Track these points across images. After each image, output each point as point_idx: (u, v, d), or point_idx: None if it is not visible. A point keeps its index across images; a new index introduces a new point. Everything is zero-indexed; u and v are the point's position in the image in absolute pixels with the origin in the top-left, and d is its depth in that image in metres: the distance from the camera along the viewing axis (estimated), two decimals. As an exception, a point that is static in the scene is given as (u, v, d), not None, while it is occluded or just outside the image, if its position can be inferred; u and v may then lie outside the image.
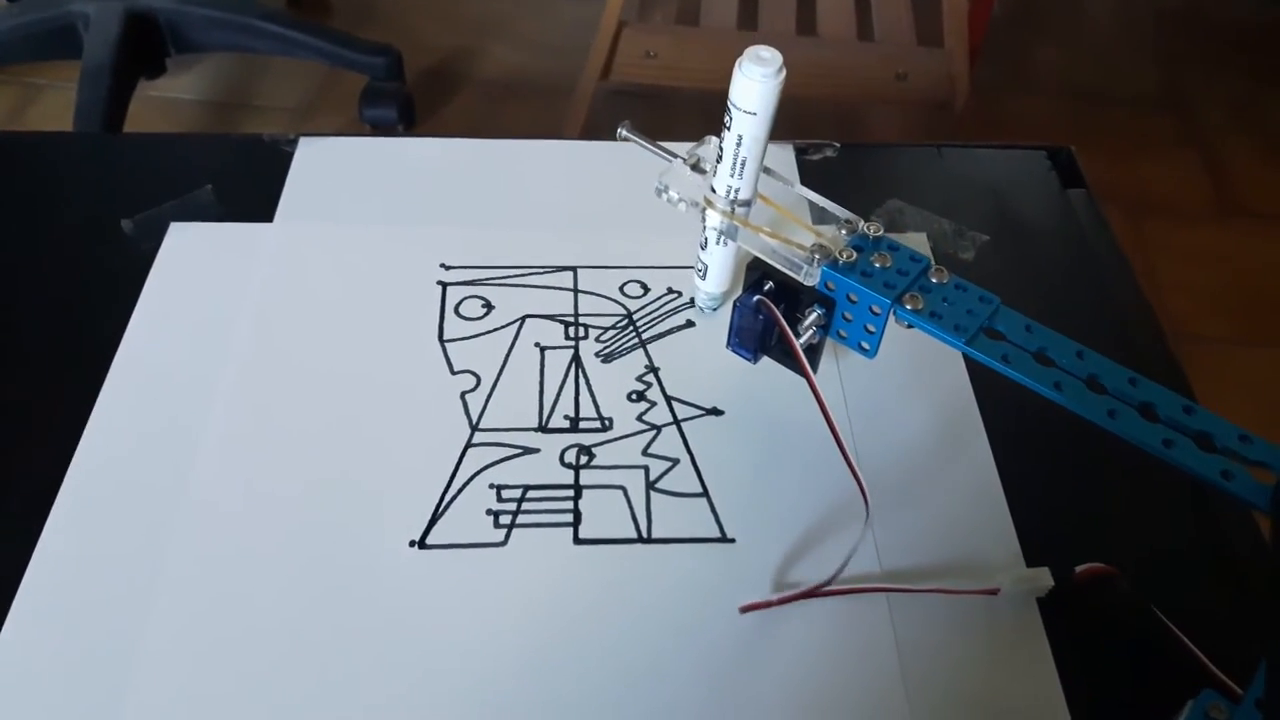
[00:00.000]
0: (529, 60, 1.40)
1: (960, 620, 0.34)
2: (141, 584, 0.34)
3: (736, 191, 0.37)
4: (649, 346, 0.42)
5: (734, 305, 0.37)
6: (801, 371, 0.36)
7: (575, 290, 0.44)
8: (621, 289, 0.44)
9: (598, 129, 1.23)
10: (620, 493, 0.37)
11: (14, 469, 0.37)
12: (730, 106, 0.35)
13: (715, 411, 0.40)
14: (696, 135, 0.53)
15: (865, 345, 0.36)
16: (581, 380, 0.41)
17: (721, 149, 0.36)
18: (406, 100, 1.25)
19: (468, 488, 0.37)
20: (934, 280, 0.35)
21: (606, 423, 0.39)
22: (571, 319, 0.43)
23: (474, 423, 0.39)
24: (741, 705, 0.32)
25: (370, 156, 0.50)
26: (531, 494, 0.37)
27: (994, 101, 1.34)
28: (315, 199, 0.48)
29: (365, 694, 0.32)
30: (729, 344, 0.38)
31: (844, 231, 0.36)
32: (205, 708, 0.31)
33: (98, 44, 1.14)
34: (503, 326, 0.43)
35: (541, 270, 0.45)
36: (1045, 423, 0.38)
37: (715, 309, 0.43)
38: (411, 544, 0.35)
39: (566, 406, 0.40)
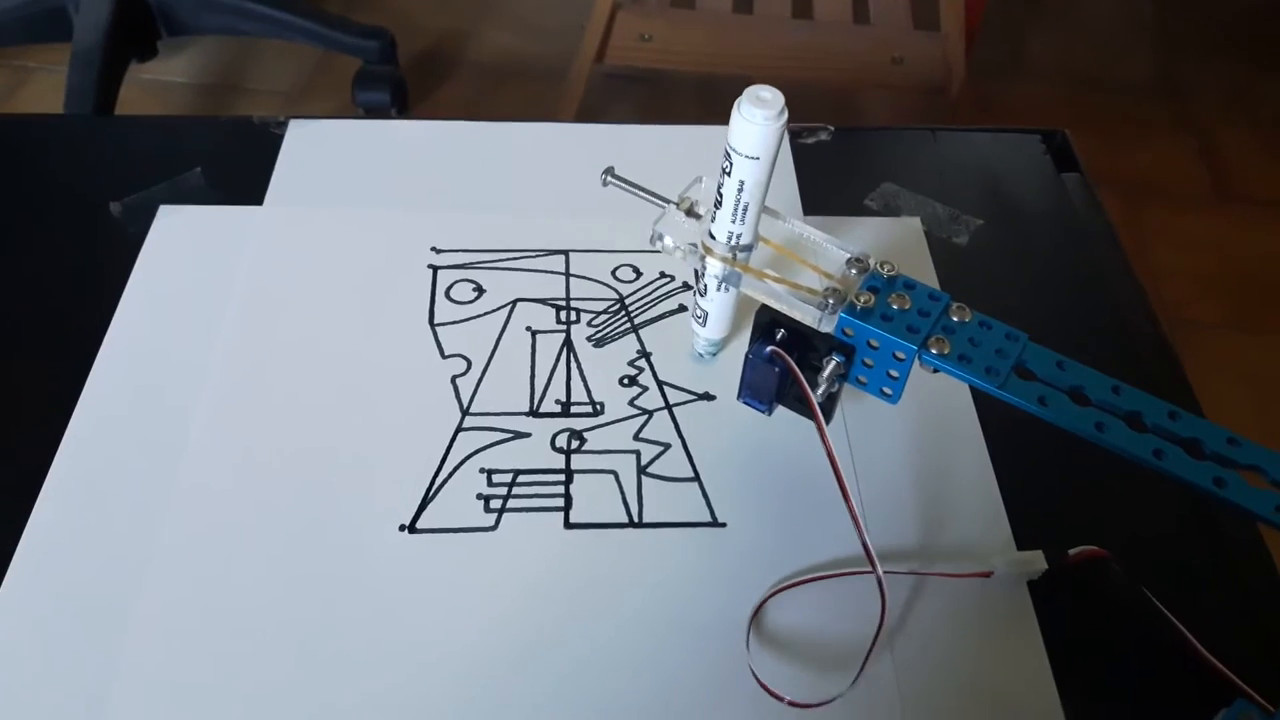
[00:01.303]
0: (523, 43, 1.39)
1: (951, 603, 0.34)
2: (129, 569, 0.34)
3: (738, 237, 0.35)
4: (641, 331, 0.42)
5: (746, 357, 0.35)
6: (816, 422, 0.33)
7: (567, 274, 0.44)
8: (614, 273, 0.44)
9: (592, 112, 1.23)
10: (611, 477, 0.37)
11: (2, 452, 0.37)
12: (729, 151, 0.33)
13: (707, 396, 0.40)
14: (691, 119, 0.52)
15: (888, 391, 0.34)
16: (573, 364, 0.41)
17: (721, 194, 0.34)
18: (400, 84, 1.25)
19: (458, 472, 0.37)
20: (956, 319, 0.32)
21: (598, 407, 0.39)
22: (563, 303, 0.43)
23: (465, 407, 0.39)
24: (733, 688, 0.32)
25: (361, 139, 0.50)
26: (522, 478, 0.37)
27: (990, 86, 1.34)
28: (305, 182, 0.47)
29: (355, 678, 0.32)
30: (740, 397, 0.36)
31: (854, 270, 0.34)
32: (193, 690, 0.31)
33: (88, 26, 1.13)
34: (494, 310, 0.42)
35: (533, 254, 0.45)
36: (1029, 430, 0.38)
37: (715, 354, 0.41)
38: (401, 528, 0.35)
39: (558, 391, 0.40)
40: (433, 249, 0.45)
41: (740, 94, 0.32)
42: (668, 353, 0.41)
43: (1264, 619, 0.35)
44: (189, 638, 0.32)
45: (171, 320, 0.41)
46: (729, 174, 0.33)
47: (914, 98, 1.31)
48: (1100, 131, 1.29)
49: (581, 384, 0.40)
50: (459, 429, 0.38)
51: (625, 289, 0.44)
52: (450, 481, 0.37)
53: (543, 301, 0.43)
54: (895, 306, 0.32)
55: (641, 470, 0.37)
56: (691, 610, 0.34)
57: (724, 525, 0.36)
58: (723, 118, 0.52)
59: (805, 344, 0.34)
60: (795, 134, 0.51)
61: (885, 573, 0.33)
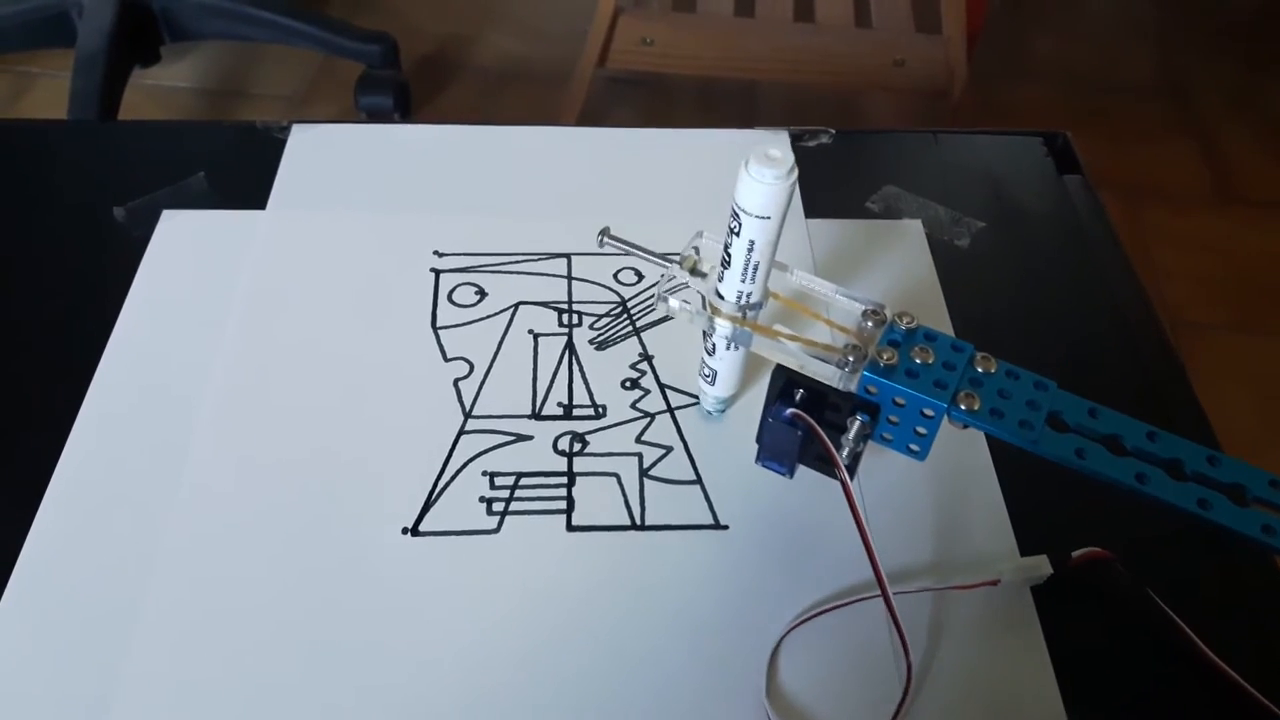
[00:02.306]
0: (526, 47, 1.40)
1: (956, 611, 0.34)
2: (132, 572, 0.34)
3: (748, 296, 0.34)
4: (643, 334, 0.42)
5: (765, 420, 0.33)
6: (845, 489, 0.32)
7: (569, 277, 0.44)
8: (616, 276, 0.44)
9: (594, 116, 1.23)
10: (614, 480, 0.37)
11: (7, 455, 0.37)
12: (737, 210, 0.31)
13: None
14: (693, 122, 0.53)
15: (915, 448, 0.32)
16: (575, 367, 0.41)
17: (729, 253, 0.33)
18: (402, 88, 1.25)
19: (460, 475, 0.37)
20: (981, 369, 0.31)
21: (600, 410, 0.39)
22: (565, 306, 0.43)
23: (467, 410, 0.39)
24: (735, 692, 0.32)
25: (363, 143, 0.50)
26: (525, 481, 0.37)
27: (992, 88, 1.34)
28: (308, 186, 0.47)
29: (358, 680, 0.32)
30: (760, 460, 0.34)
31: (870, 323, 0.32)
32: (197, 691, 0.31)
33: (92, 32, 1.13)
34: (496, 313, 0.43)
35: (535, 257, 0.45)
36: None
37: (723, 412, 0.39)
38: (404, 531, 0.35)
39: (560, 394, 0.40)
40: (435, 253, 0.45)
41: (751, 152, 0.31)
42: (669, 356, 0.41)
43: (1268, 620, 0.35)
44: (193, 641, 0.32)
45: (175, 324, 0.41)
46: (737, 234, 0.32)
47: (916, 100, 1.31)
48: (1102, 133, 1.29)
49: (584, 387, 0.40)
50: (461, 432, 0.38)
51: (627, 292, 0.44)
52: (453, 484, 0.37)
53: (545, 304, 0.43)
54: (918, 361, 0.31)
55: (644, 473, 0.37)
56: (694, 612, 0.34)
57: (726, 528, 0.36)
58: (725, 121, 0.52)
59: (825, 403, 0.32)
60: (796, 137, 0.51)
61: (896, 594, 0.32)
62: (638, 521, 0.36)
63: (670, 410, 0.39)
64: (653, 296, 0.44)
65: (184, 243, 0.45)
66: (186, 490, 0.36)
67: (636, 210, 0.47)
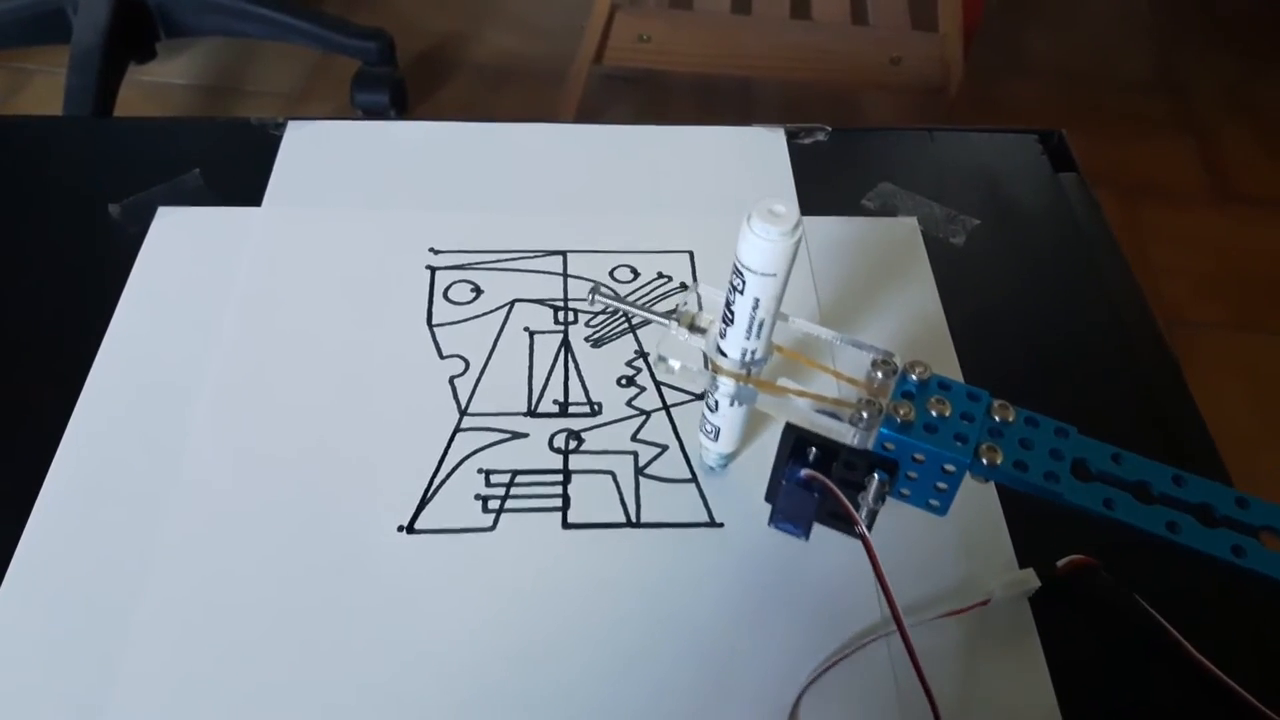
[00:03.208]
0: (522, 44, 1.40)
1: (951, 632, 0.33)
2: (127, 569, 0.34)
3: (753, 354, 0.32)
4: (639, 332, 0.42)
5: (778, 483, 0.32)
6: (868, 549, 0.30)
7: (565, 275, 0.44)
8: (611, 274, 0.44)
9: (591, 113, 1.23)
10: (609, 478, 0.37)
11: (2, 452, 0.37)
12: (741, 268, 0.30)
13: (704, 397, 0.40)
14: (690, 119, 0.53)
15: (935, 503, 0.31)
16: (571, 365, 0.41)
17: (732, 311, 0.31)
18: (399, 85, 1.25)
19: (456, 472, 0.37)
20: (999, 418, 0.30)
21: (596, 408, 0.39)
22: (561, 304, 0.43)
23: (462, 407, 0.39)
24: (731, 691, 0.32)
25: (359, 140, 0.50)
26: (520, 479, 0.37)
27: (988, 86, 1.34)
28: (303, 183, 0.47)
29: (353, 677, 0.32)
30: (773, 522, 0.33)
31: (880, 374, 0.30)
32: (192, 688, 0.31)
33: (87, 28, 1.13)
34: (492, 311, 0.43)
35: (531, 255, 0.45)
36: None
37: (725, 466, 0.38)
38: (400, 529, 0.35)
39: (556, 391, 0.40)
40: (431, 250, 0.45)
41: (752, 209, 0.30)
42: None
43: (1258, 620, 0.35)
44: (189, 638, 0.32)
45: (170, 321, 0.41)
46: (741, 291, 0.30)
47: (912, 98, 1.31)
48: (1098, 131, 1.29)
49: (579, 384, 0.40)
50: (457, 429, 0.38)
51: (623, 289, 0.44)
52: (448, 482, 0.37)
53: (541, 302, 0.43)
54: (935, 413, 0.29)
55: (639, 471, 0.37)
56: (689, 610, 0.34)
57: (721, 526, 0.36)
58: (721, 119, 0.52)
59: (839, 460, 0.30)
60: (792, 134, 0.51)
61: (890, 633, 0.31)
62: (633, 519, 0.36)
63: (666, 408, 0.39)
64: (648, 295, 0.43)
65: (179, 240, 0.45)
66: (182, 488, 0.36)
67: (633, 207, 0.47)
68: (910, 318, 0.43)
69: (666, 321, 0.33)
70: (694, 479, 0.37)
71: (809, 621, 0.33)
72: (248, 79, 1.34)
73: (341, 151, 0.49)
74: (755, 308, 0.31)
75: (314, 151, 0.49)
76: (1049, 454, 0.29)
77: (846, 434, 0.30)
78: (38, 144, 0.51)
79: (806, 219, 0.46)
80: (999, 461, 0.29)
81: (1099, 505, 0.28)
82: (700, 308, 0.36)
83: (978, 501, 0.36)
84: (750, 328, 0.31)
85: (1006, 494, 0.37)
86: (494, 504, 0.36)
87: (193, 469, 0.37)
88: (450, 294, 0.43)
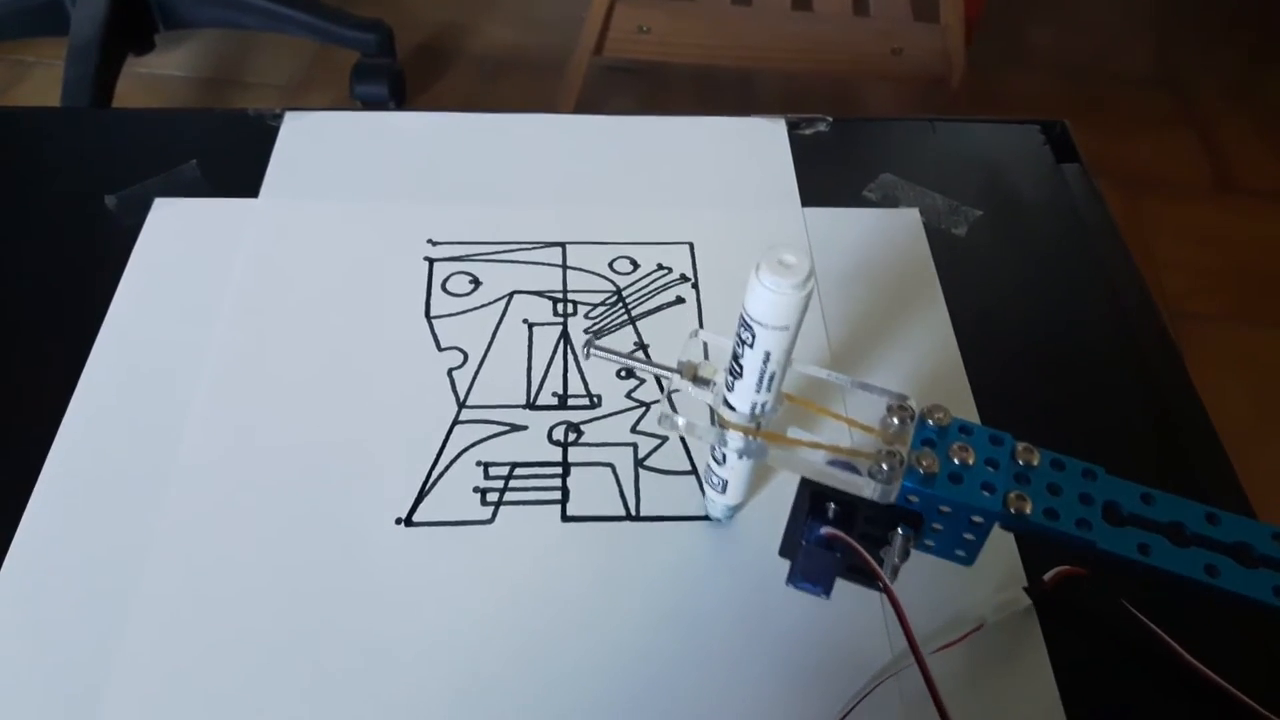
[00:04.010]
0: (522, 35, 1.39)
1: (954, 657, 0.32)
2: (124, 560, 0.34)
3: (763, 406, 0.30)
4: (638, 323, 0.42)
5: (797, 542, 0.30)
6: (896, 607, 0.29)
7: (564, 266, 0.44)
8: (611, 265, 0.44)
9: (591, 104, 1.23)
10: (609, 470, 0.37)
11: (-4, 447, 0.37)
12: (750, 321, 0.28)
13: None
14: (691, 111, 0.52)
15: (961, 554, 0.29)
16: (570, 357, 0.41)
17: (740, 365, 0.29)
18: (398, 77, 1.24)
19: (455, 465, 0.37)
20: (1023, 462, 0.28)
21: (595, 400, 0.39)
22: (560, 295, 0.43)
23: (461, 399, 0.39)
24: (730, 684, 0.32)
25: (357, 131, 0.49)
26: (519, 471, 0.37)
27: (990, 78, 1.33)
28: (301, 174, 0.47)
29: (351, 670, 0.31)
30: (792, 581, 0.31)
31: (896, 420, 0.29)
32: (189, 678, 0.31)
33: (85, 20, 1.12)
34: (490, 303, 0.42)
35: (530, 246, 0.45)
36: (1028, 423, 0.38)
37: (732, 517, 0.36)
38: (398, 521, 0.35)
39: (555, 383, 0.40)
40: (429, 241, 0.44)
41: (762, 258, 0.28)
42: (665, 345, 0.41)
43: (1248, 619, 0.34)
44: (186, 630, 0.32)
45: (167, 313, 0.41)
46: (751, 345, 0.29)
47: (913, 89, 1.31)
48: (1100, 122, 1.29)
49: (579, 376, 0.40)
50: (455, 422, 0.38)
51: (623, 281, 0.43)
52: (447, 474, 0.37)
53: (540, 294, 0.43)
54: (958, 461, 0.28)
55: (639, 463, 0.37)
56: (689, 603, 0.33)
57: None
58: (722, 110, 0.52)
59: (859, 514, 0.29)
60: (794, 125, 0.51)
61: (896, 672, 0.30)
62: (633, 512, 0.36)
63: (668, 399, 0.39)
64: (648, 286, 0.43)
65: (176, 231, 0.44)
66: (179, 480, 0.36)
67: (632, 198, 0.47)
68: (912, 310, 0.43)
69: (669, 374, 0.32)
70: (694, 471, 0.37)
71: (810, 614, 0.33)
72: (246, 71, 1.33)
73: (339, 143, 0.49)
74: (766, 361, 0.29)
75: (312, 143, 0.49)
76: (1079, 499, 0.28)
77: (864, 486, 0.28)
78: (35, 135, 0.50)
79: (807, 211, 0.47)
80: (1029, 511, 0.27)
81: (1134, 551, 0.27)
82: (705, 356, 0.34)
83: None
84: (760, 381, 0.29)
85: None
86: (493, 496, 0.36)
87: (190, 461, 0.36)
88: (449, 286, 0.43)
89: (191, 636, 0.32)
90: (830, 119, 0.51)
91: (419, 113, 0.51)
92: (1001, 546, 0.35)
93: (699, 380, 0.32)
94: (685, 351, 0.32)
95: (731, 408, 0.30)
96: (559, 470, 0.37)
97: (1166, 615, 0.33)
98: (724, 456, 0.33)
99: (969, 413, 0.39)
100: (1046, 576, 0.33)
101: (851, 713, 0.30)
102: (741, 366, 0.29)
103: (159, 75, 1.30)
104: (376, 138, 0.49)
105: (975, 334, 0.42)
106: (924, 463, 0.28)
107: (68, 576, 0.33)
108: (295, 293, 0.42)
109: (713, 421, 0.31)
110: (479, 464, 0.37)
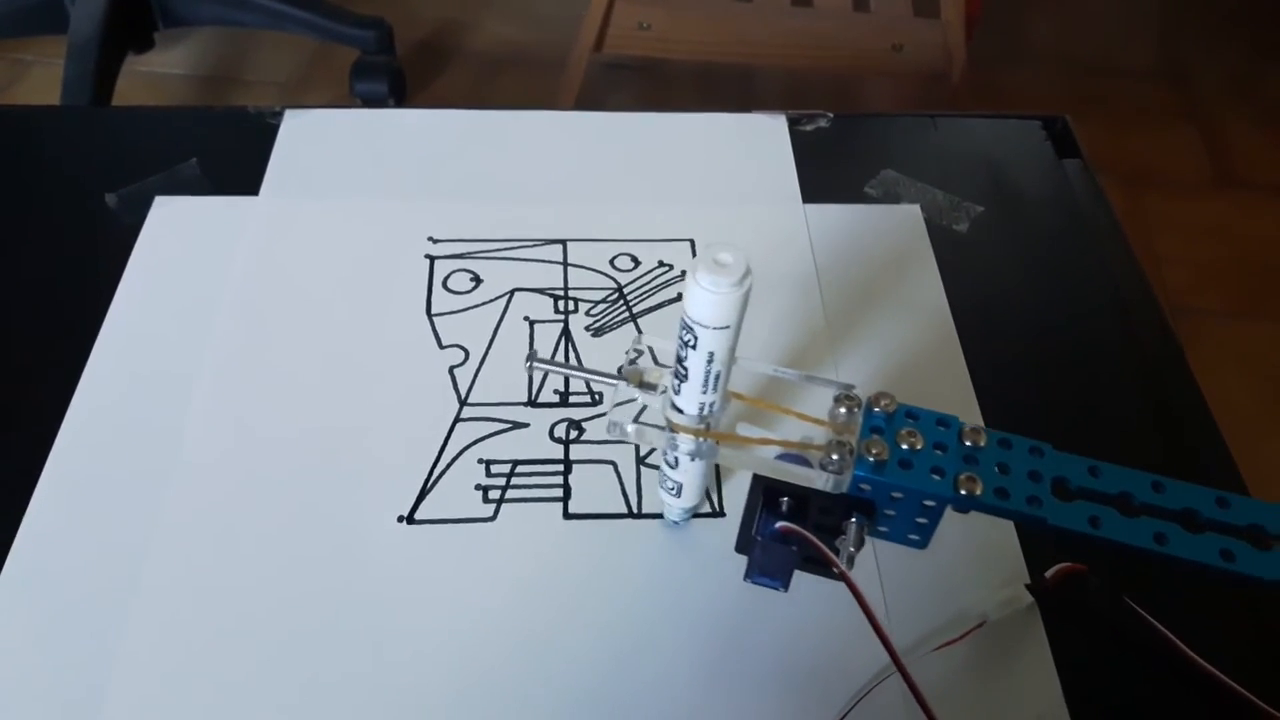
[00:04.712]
0: (521, 32, 1.39)
1: (957, 652, 0.33)
2: (125, 559, 0.34)
3: (710, 406, 0.30)
4: (639, 320, 0.42)
5: (752, 537, 0.30)
6: (849, 585, 0.29)
7: (565, 264, 0.44)
8: (612, 262, 0.44)
9: (591, 101, 1.23)
10: (610, 467, 0.37)
11: (-2, 446, 0.37)
12: (691, 324, 0.28)
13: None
14: (691, 108, 0.52)
15: (915, 537, 0.30)
16: (571, 354, 0.40)
17: (685, 367, 0.29)
18: (397, 74, 1.24)
19: (456, 463, 0.37)
20: (971, 443, 0.28)
21: (596, 397, 0.39)
22: (561, 293, 0.43)
23: (462, 397, 0.39)
24: (733, 681, 0.32)
25: (357, 129, 0.49)
26: (521, 469, 0.37)
27: (991, 73, 1.33)
28: (301, 172, 0.47)
29: (354, 668, 0.31)
30: (749, 577, 0.32)
31: (844, 410, 0.28)
32: (190, 676, 0.31)
33: (84, 18, 1.12)
34: (491, 300, 0.42)
35: (531, 244, 0.44)
36: (1029, 419, 0.38)
37: (689, 519, 0.36)
38: (400, 519, 0.35)
39: (556, 381, 0.39)
40: (430, 239, 0.44)
41: (698, 259, 0.27)
42: (667, 342, 0.41)
43: (1246, 617, 0.34)
44: (188, 629, 0.32)
45: (167, 311, 0.41)
46: (694, 347, 0.28)
47: (914, 85, 1.31)
48: (1102, 118, 1.28)
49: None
50: (457, 419, 0.38)
51: (623, 278, 0.43)
52: (449, 472, 0.36)
53: (540, 291, 0.43)
54: (906, 447, 0.28)
55: (641, 460, 0.37)
56: (690, 601, 0.33)
57: (724, 515, 0.36)
58: (722, 106, 0.52)
59: (813, 505, 0.29)
60: (795, 121, 0.51)
61: (894, 673, 0.30)
62: (635, 509, 0.36)
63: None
64: (648, 283, 0.43)
65: (177, 229, 0.44)
66: (180, 478, 0.36)
67: (633, 195, 0.47)
68: (914, 306, 0.43)
69: (614, 382, 0.32)
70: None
71: (812, 609, 0.33)
72: (246, 69, 1.33)
73: (340, 140, 0.49)
74: (710, 362, 0.29)
75: (312, 141, 0.49)
76: (1028, 476, 0.28)
77: (816, 478, 0.28)
78: (35, 134, 0.50)
79: (808, 207, 0.46)
80: (979, 492, 0.27)
81: (1085, 525, 0.27)
82: (654, 360, 0.34)
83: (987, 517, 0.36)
84: (706, 382, 0.29)
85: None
86: (494, 494, 0.36)
87: (191, 459, 0.36)
88: (449, 283, 0.43)
89: (193, 634, 0.32)
90: (831, 115, 0.51)
91: (419, 110, 0.51)
92: (1003, 543, 0.35)
93: (645, 386, 0.31)
94: (630, 358, 0.32)
95: (680, 410, 0.30)
96: (561, 468, 0.37)
97: (1170, 611, 0.32)
98: (676, 460, 0.33)
99: (970, 409, 0.39)
100: (1048, 573, 0.33)
101: (856, 708, 0.31)
102: (686, 369, 0.29)
103: (158, 73, 1.30)
104: (377, 135, 0.49)
105: (977, 330, 0.42)
106: (873, 451, 0.28)
107: (70, 575, 0.33)
108: (296, 291, 0.42)
109: (663, 425, 0.31)
110: (481, 462, 0.37)
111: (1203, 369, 0.42)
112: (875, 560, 0.34)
